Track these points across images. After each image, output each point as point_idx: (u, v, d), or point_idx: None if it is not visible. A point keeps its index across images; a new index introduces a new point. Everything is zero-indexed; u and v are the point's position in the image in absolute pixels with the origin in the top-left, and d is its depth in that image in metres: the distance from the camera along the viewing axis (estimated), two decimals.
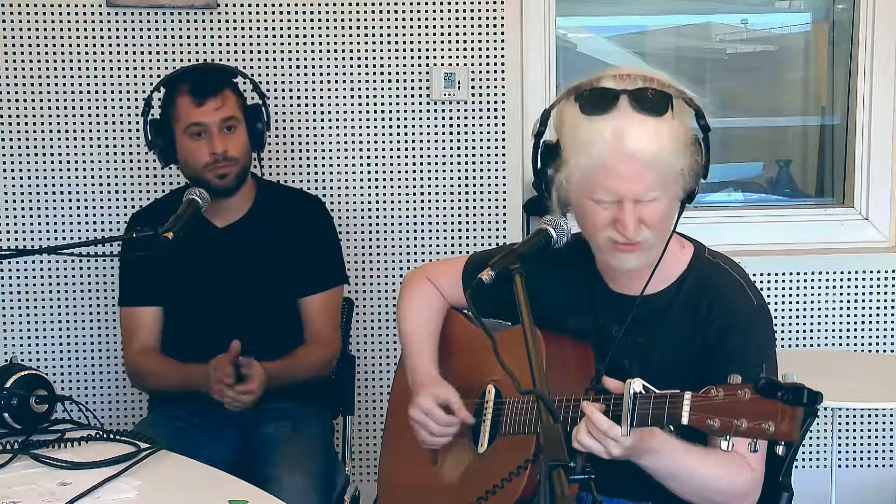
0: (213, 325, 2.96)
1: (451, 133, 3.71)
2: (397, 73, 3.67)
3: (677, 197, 2.06)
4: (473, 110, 3.70)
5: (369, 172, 3.70)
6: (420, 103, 3.69)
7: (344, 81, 3.67)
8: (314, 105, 3.66)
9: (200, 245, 2.94)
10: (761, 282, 3.80)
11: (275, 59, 3.64)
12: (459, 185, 3.73)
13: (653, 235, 2.05)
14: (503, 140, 3.71)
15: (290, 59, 3.65)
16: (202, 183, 2.89)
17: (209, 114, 2.89)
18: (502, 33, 3.67)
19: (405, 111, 3.69)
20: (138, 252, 2.81)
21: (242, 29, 3.63)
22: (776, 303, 3.82)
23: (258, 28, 3.63)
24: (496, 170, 3.73)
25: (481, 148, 3.72)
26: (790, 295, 3.85)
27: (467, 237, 3.75)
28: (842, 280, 3.85)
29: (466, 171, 3.73)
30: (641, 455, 1.96)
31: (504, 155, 3.72)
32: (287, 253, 3.00)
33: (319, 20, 3.64)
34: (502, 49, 3.68)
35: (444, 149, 3.71)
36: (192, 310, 2.99)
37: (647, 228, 2.04)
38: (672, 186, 2.04)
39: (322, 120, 3.67)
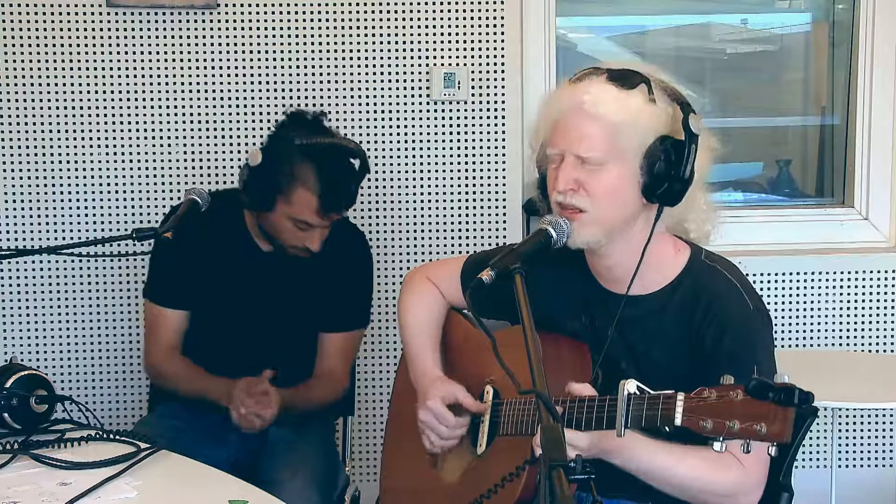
0: (236, 342, 2.95)
1: (451, 133, 3.71)
2: (397, 73, 3.67)
3: (635, 178, 2.05)
4: (473, 110, 3.70)
5: (369, 172, 3.69)
6: (420, 103, 3.69)
7: (344, 81, 3.67)
8: (314, 105, 3.65)
9: (242, 264, 2.94)
10: (761, 282, 3.80)
11: (275, 59, 3.64)
12: (459, 186, 3.73)
13: (592, 206, 2.05)
14: (503, 140, 3.71)
15: (290, 59, 3.65)
16: (275, 243, 2.87)
17: (325, 222, 2.84)
18: (502, 33, 3.67)
19: (405, 111, 3.69)
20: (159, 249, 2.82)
21: (242, 29, 3.63)
22: (776, 303, 3.82)
23: (258, 28, 3.63)
24: (496, 170, 3.73)
25: (481, 148, 3.72)
26: (790, 295, 3.85)
27: (467, 237, 3.75)
28: (842, 280, 3.85)
29: (466, 171, 3.73)
30: (608, 454, 1.97)
31: (504, 155, 3.72)
32: (323, 287, 2.95)
33: (319, 20, 3.64)
34: (502, 49, 3.68)
35: (444, 149, 3.71)
36: (220, 323, 2.97)
37: (588, 197, 2.04)
38: (623, 158, 2.03)
39: None
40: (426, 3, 3.65)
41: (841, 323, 3.86)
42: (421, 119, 3.69)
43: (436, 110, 3.70)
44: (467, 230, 3.75)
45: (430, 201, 3.73)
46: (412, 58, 3.67)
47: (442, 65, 3.67)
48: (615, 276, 2.16)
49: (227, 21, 3.62)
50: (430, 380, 2.35)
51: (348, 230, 3.06)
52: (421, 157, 3.71)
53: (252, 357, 2.94)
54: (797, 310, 3.85)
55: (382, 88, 3.68)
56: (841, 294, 3.85)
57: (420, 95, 3.68)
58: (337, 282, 2.96)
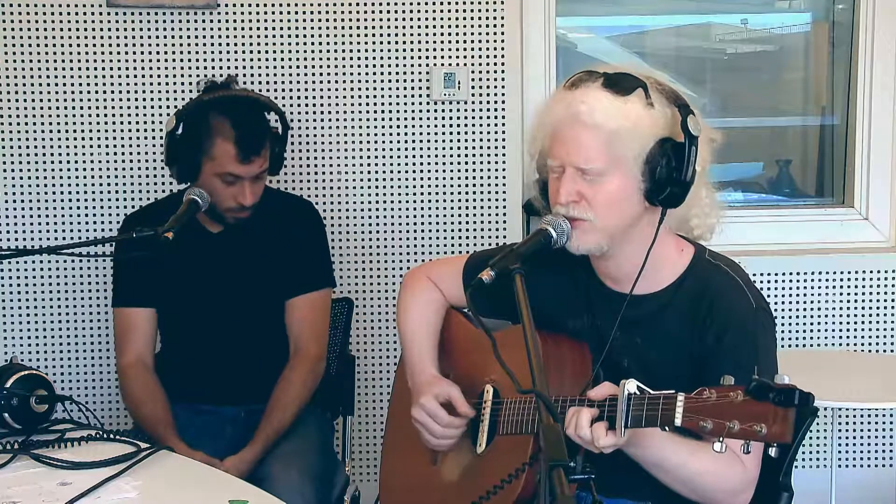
0: (207, 329, 2.96)
1: (451, 133, 3.71)
2: (397, 73, 3.67)
3: (637, 184, 2.04)
4: (473, 110, 3.70)
5: (369, 172, 3.70)
6: (420, 103, 3.69)
7: (344, 81, 3.67)
8: (314, 105, 3.66)
9: (195, 249, 2.94)
10: (761, 282, 3.80)
11: (275, 59, 3.64)
12: (459, 185, 3.73)
13: (595, 216, 2.05)
14: (503, 140, 3.71)
15: (290, 59, 3.65)
16: (216, 215, 2.90)
17: (249, 170, 2.85)
18: (502, 33, 3.67)
19: (405, 111, 3.69)
20: (136, 252, 2.81)
21: (242, 29, 3.63)
22: (776, 303, 3.82)
23: (258, 28, 3.63)
24: (496, 170, 3.73)
25: (481, 148, 3.72)
26: (790, 295, 3.85)
27: (467, 237, 3.75)
28: (842, 280, 3.85)
29: (466, 171, 3.73)
30: (626, 444, 1.96)
31: (504, 155, 3.72)
32: (277, 256, 2.98)
33: (319, 20, 3.64)
34: (502, 49, 3.68)
35: (444, 149, 3.71)
36: (186, 313, 2.99)
37: (590, 207, 2.04)
38: (624, 166, 2.03)
39: (322, 120, 3.67)
40: (426, 3, 3.65)
41: (841, 323, 3.87)
42: (421, 119, 3.69)
43: (436, 110, 3.70)
44: (467, 230, 3.75)
45: (429, 201, 3.73)
46: (412, 58, 3.67)
47: (442, 65, 3.67)
48: (618, 276, 2.16)
49: (227, 21, 3.62)
50: (426, 378, 2.35)
51: (293, 200, 3.15)
52: (421, 156, 3.71)
53: (226, 340, 2.96)
54: (797, 310, 3.85)
55: (382, 88, 3.68)
56: (841, 294, 3.86)
57: (420, 95, 3.68)
58: (291, 245, 2.99)
